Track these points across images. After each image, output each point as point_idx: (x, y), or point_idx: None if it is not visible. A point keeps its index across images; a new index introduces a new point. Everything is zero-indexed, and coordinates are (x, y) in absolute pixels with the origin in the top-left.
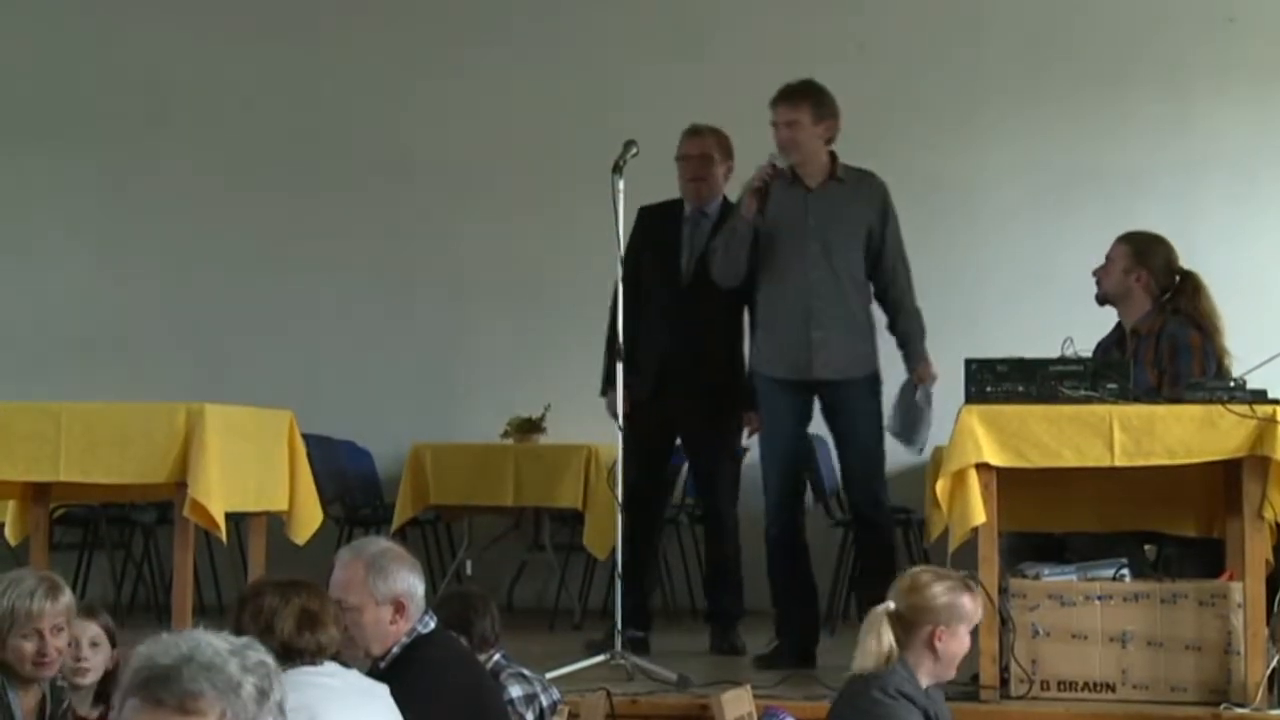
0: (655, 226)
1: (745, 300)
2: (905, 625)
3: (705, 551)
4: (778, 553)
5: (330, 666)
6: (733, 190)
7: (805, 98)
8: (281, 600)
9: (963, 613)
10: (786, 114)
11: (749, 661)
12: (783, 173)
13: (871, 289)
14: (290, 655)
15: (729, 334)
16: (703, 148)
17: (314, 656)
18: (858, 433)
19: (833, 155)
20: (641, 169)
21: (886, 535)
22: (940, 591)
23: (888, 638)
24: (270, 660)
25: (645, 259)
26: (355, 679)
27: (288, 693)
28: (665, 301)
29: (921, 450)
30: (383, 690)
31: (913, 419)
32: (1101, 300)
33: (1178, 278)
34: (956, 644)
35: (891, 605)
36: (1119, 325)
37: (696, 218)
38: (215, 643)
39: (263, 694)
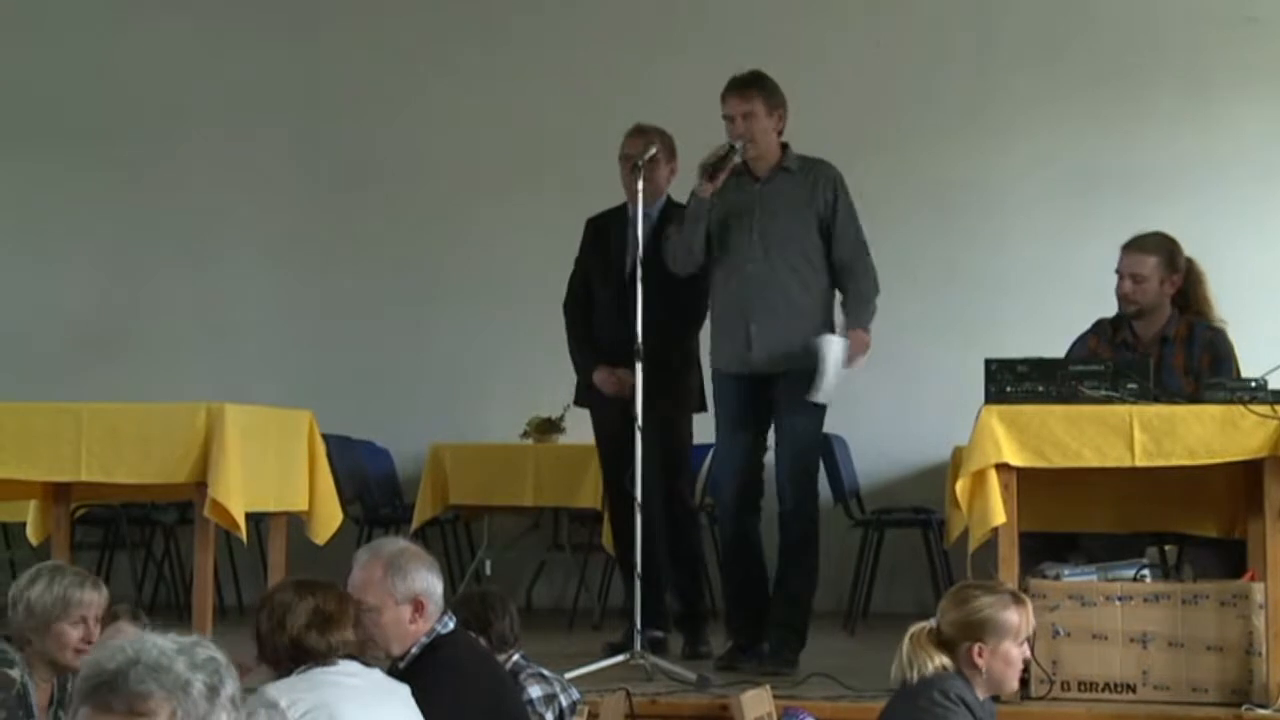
0: (602, 232)
1: (693, 293)
2: (946, 642)
3: (671, 547)
4: (729, 553)
5: (350, 665)
6: (676, 190)
7: (758, 89)
8: (296, 598)
9: (1006, 628)
10: (740, 106)
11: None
12: (735, 160)
13: (828, 279)
14: (300, 654)
15: (674, 328)
16: (639, 149)
17: (324, 657)
18: (793, 427)
19: (784, 146)
20: None
21: (809, 537)
22: (981, 606)
23: (937, 657)
24: (221, 656)
25: (593, 263)
26: (378, 677)
27: (304, 692)
28: (609, 301)
29: (816, 395)
30: (403, 690)
31: (823, 369)
32: (1136, 315)
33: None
34: (1000, 661)
35: (932, 622)
36: (1112, 327)
37: (639, 219)
38: (161, 643)
39: (213, 690)
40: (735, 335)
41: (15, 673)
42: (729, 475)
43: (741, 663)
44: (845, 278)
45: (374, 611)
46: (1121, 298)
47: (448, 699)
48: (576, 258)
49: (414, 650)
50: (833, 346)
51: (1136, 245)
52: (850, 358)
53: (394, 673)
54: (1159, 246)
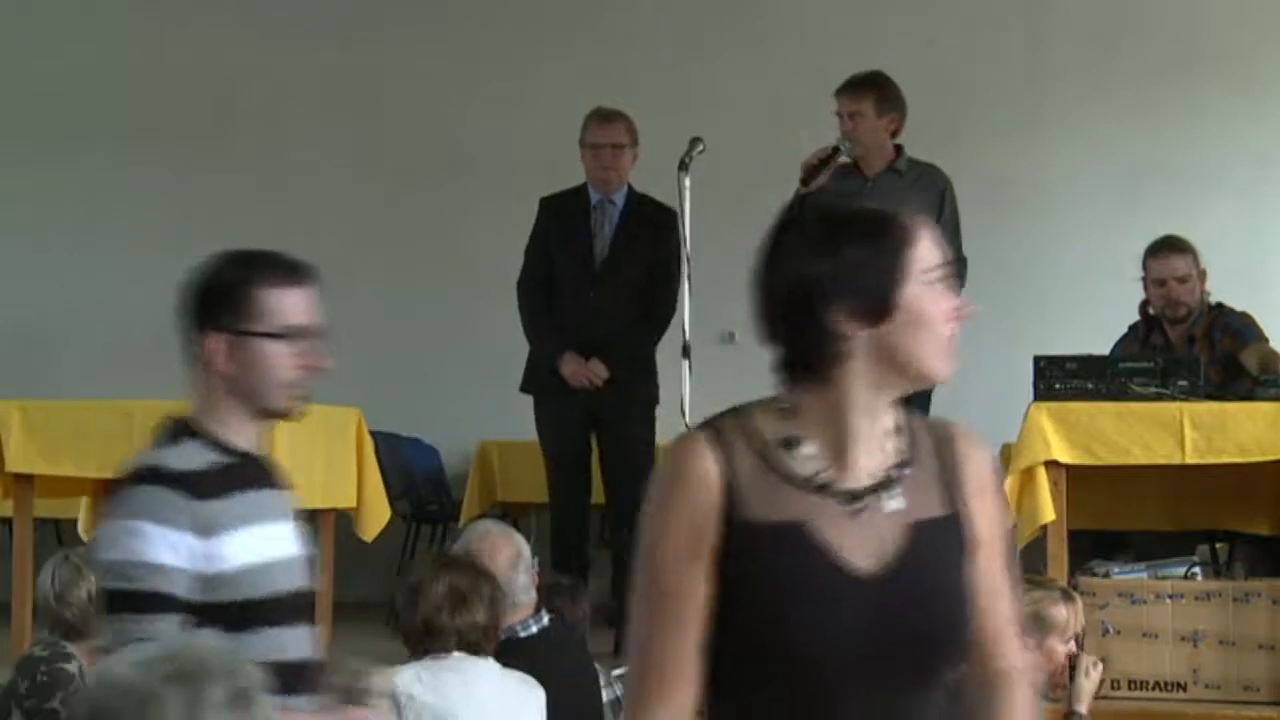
0: (562, 215)
1: (661, 288)
2: None
3: (614, 545)
4: None
5: (479, 663)
6: (636, 177)
7: (870, 90)
8: (433, 576)
9: (1053, 624)
10: (849, 105)
11: None
12: (842, 159)
13: None
14: (429, 634)
15: (646, 321)
16: (614, 136)
17: (451, 637)
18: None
19: (898, 148)
20: (708, 166)
21: None
22: (1030, 600)
23: None
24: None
25: (556, 250)
26: (512, 682)
27: (428, 693)
28: (578, 292)
29: None
30: (536, 693)
31: None
32: (1185, 317)
33: None
34: (1043, 658)
35: None
36: (1145, 331)
37: (604, 205)
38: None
39: None
40: None
41: (72, 667)
42: None
43: None
44: None
45: None
46: (1169, 303)
47: None
48: (533, 236)
49: None
50: None
51: (1169, 246)
52: None
53: None
54: (1189, 244)
